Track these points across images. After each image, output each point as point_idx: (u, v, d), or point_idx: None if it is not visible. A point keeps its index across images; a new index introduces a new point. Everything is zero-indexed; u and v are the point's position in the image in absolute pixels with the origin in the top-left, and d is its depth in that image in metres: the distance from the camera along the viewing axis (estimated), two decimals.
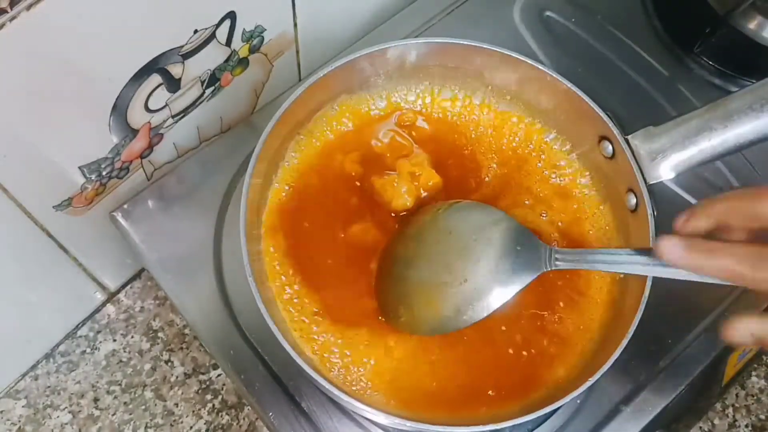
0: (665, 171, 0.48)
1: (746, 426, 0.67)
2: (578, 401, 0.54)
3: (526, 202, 0.54)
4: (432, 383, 0.49)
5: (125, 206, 0.58)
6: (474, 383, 0.49)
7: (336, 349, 0.49)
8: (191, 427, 0.64)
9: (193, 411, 0.65)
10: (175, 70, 0.52)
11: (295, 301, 0.50)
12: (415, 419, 0.47)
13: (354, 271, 0.51)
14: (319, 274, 0.50)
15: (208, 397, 0.65)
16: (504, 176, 0.54)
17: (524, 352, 0.49)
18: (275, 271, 0.50)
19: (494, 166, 0.54)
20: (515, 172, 0.54)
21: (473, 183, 0.54)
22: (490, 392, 0.48)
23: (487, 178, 0.54)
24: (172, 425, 0.64)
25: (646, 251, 0.46)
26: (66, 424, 0.64)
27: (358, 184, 0.53)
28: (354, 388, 0.48)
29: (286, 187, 0.53)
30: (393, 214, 0.52)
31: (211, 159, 0.60)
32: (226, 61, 0.57)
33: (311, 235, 0.51)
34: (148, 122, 0.55)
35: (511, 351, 0.50)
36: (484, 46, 0.51)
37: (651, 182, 0.48)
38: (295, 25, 0.61)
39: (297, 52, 0.64)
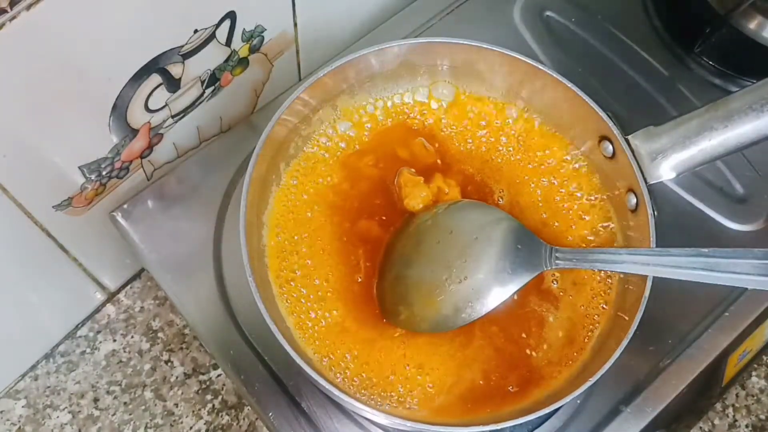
0: (666, 171, 0.48)
1: (746, 426, 0.67)
2: (578, 401, 0.54)
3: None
4: (433, 383, 0.49)
5: (125, 206, 0.58)
6: (465, 384, 0.49)
7: (336, 349, 0.49)
8: (191, 428, 0.64)
9: (193, 411, 0.65)
10: (175, 70, 0.52)
11: (297, 300, 0.50)
12: (415, 419, 0.47)
13: (356, 271, 0.51)
14: (321, 273, 0.50)
15: (208, 397, 0.65)
16: (507, 176, 0.54)
17: (527, 351, 0.49)
18: (276, 271, 0.50)
19: (498, 160, 0.54)
20: (516, 169, 0.54)
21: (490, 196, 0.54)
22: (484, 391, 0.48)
23: (500, 197, 0.54)
24: (172, 425, 0.64)
25: (646, 251, 0.46)
26: (66, 424, 0.64)
27: (368, 181, 0.53)
28: (354, 388, 0.48)
29: (288, 187, 0.53)
30: (402, 213, 0.52)
31: (211, 159, 0.60)
32: (226, 61, 0.57)
33: (313, 235, 0.51)
34: (148, 122, 0.55)
35: (511, 350, 0.49)
36: (484, 46, 0.51)
37: (651, 182, 0.48)
38: (295, 25, 0.61)
39: (297, 52, 0.64)
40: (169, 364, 0.66)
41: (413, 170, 0.53)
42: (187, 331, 0.67)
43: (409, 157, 0.54)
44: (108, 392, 0.65)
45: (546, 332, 0.50)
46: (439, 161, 0.54)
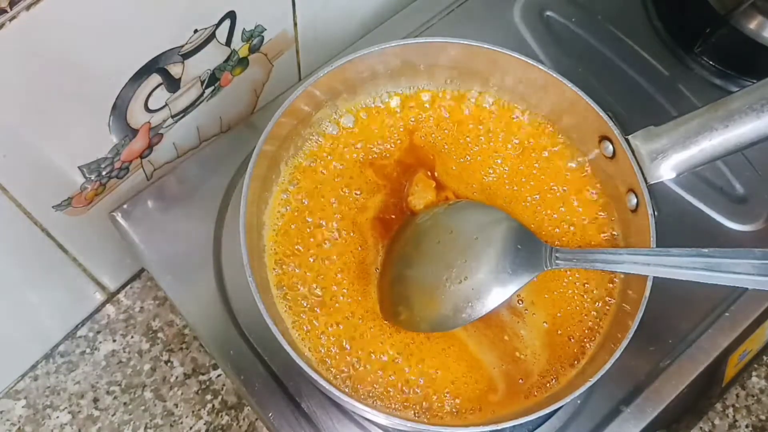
0: (666, 171, 0.48)
1: (747, 426, 0.67)
2: (578, 401, 0.54)
3: (530, 198, 0.54)
4: (434, 383, 0.49)
5: (125, 206, 0.58)
6: (466, 383, 0.49)
7: (337, 350, 0.49)
8: (191, 428, 0.64)
9: (193, 411, 0.65)
10: (175, 69, 0.52)
11: (296, 301, 0.50)
12: (414, 420, 0.47)
13: (356, 270, 0.51)
14: (321, 273, 0.50)
15: (208, 397, 0.65)
16: (508, 177, 0.54)
17: (517, 353, 0.49)
18: (276, 271, 0.50)
19: (500, 161, 0.54)
20: (516, 168, 0.54)
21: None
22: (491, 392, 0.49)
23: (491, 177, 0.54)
24: (171, 425, 0.64)
25: (646, 251, 0.46)
26: (66, 424, 0.64)
27: (369, 181, 0.53)
28: (354, 388, 0.48)
29: (288, 187, 0.52)
30: (404, 212, 0.52)
31: (211, 159, 0.60)
32: (226, 60, 0.57)
33: (313, 234, 0.51)
34: (148, 122, 0.55)
35: (510, 350, 0.49)
36: (484, 46, 0.51)
37: (651, 182, 0.48)
38: (295, 24, 0.61)
39: (297, 52, 0.64)
40: (169, 364, 0.66)
41: (429, 173, 0.53)
42: (187, 331, 0.67)
43: (411, 159, 0.54)
44: (108, 392, 0.65)
45: (526, 340, 0.50)
46: (437, 173, 0.54)
